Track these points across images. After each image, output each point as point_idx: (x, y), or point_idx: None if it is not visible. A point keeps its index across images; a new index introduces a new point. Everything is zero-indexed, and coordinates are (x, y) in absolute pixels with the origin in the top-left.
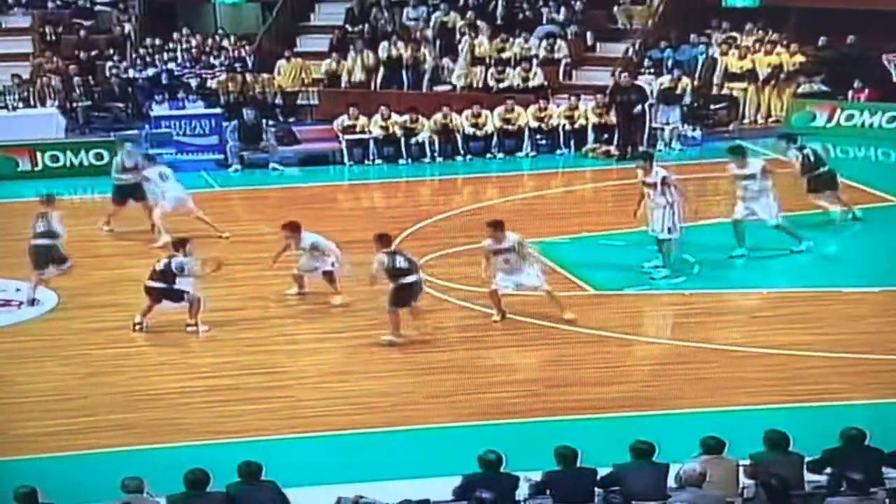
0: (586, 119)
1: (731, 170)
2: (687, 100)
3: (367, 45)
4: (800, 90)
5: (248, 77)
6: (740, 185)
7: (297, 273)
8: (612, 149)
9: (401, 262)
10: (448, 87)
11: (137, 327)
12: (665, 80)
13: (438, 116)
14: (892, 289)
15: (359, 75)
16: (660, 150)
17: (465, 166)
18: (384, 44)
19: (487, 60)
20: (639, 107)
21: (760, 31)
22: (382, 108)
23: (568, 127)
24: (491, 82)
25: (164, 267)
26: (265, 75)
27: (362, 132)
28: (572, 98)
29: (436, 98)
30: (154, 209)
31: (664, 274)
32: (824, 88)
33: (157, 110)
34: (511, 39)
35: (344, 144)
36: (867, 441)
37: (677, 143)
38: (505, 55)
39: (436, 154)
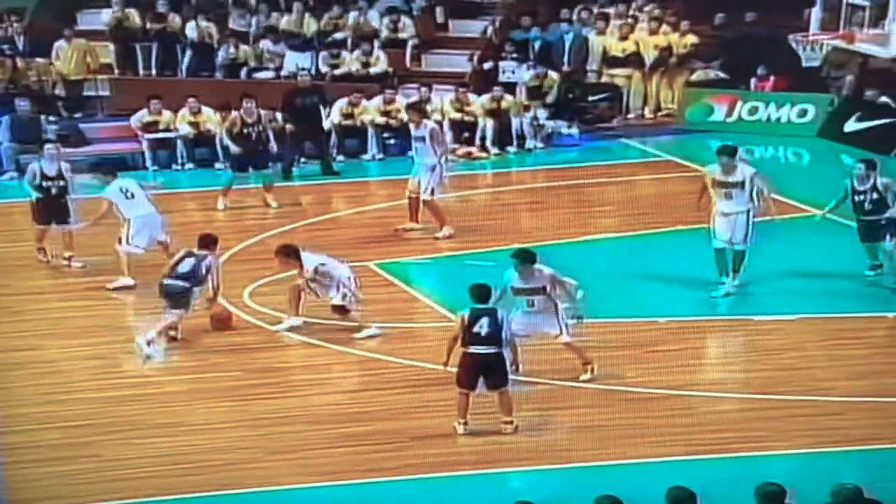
0: (442, 114)
1: (710, 175)
2: (550, 98)
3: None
4: (694, 78)
5: (20, 62)
6: (721, 195)
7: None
8: (475, 149)
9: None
10: (270, 75)
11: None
12: (528, 76)
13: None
14: (810, 315)
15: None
16: (525, 151)
17: (298, 170)
18: (191, 23)
19: (315, 41)
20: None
21: (644, 7)
22: (190, 100)
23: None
24: (324, 68)
25: (192, 267)
26: (40, 60)
27: (167, 130)
28: (423, 88)
29: (256, 88)
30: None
31: (727, 291)
32: (723, 76)
33: None
34: (345, 14)
35: (145, 145)
36: (787, 500)
37: (534, 141)
38: (339, 35)
39: None
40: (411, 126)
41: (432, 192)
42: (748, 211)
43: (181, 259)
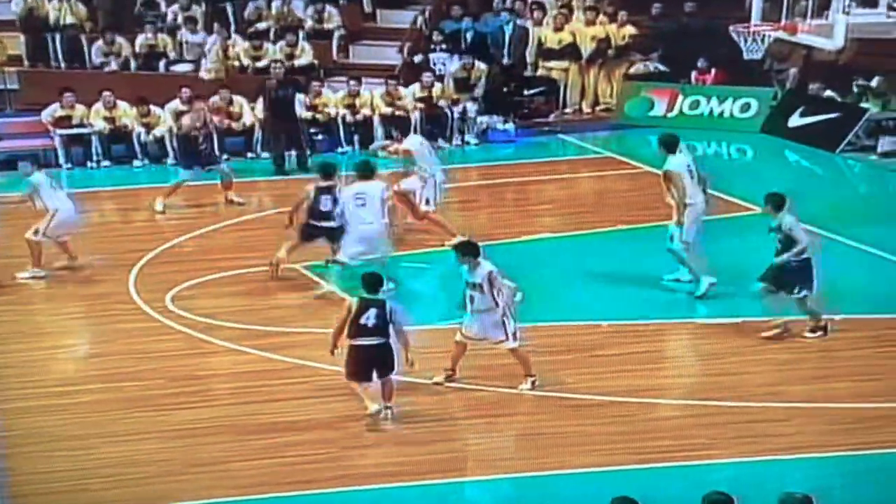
0: (372, 108)
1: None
2: (479, 91)
3: None
4: (633, 71)
5: None
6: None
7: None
8: None
9: None
10: (189, 68)
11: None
12: (456, 66)
13: (176, 104)
14: (753, 319)
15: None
16: (454, 147)
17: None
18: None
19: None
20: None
21: None
22: (105, 93)
23: (349, 118)
24: (245, 60)
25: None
26: None
27: (81, 125)
28: (352, 81)
29: (174, 81)
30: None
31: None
32: (662, 69)
33: None
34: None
35: (58, 141)
36: None
37: (467, 136)
38: (262, 25)
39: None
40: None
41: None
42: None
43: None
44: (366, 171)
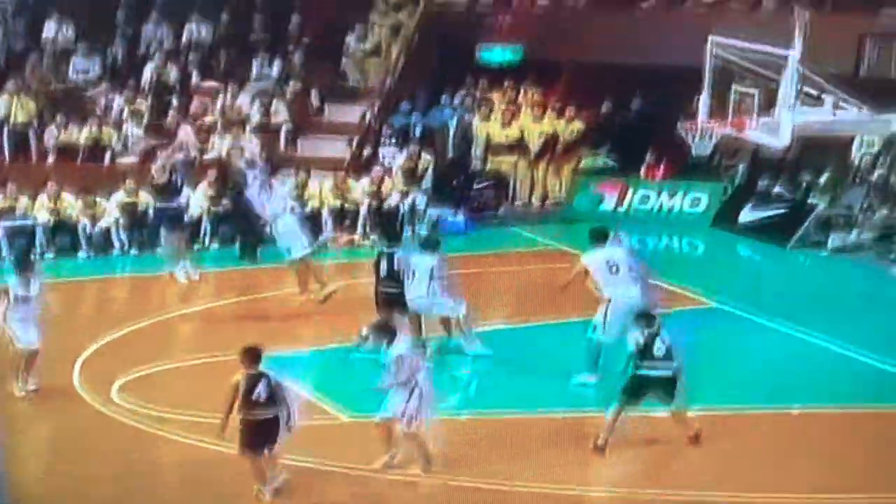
0: (321, 201)
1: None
2: (427, 183)
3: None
4: (582, 165)
5: None
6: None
7: None
8: (358, 237)
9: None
10: (134, 160)
11: None
12: (403, 158)
13: (122, 196)
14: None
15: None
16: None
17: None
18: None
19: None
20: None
21: (528, 93)
22: (50, 184)
23: (298, 210)
24: (192, 153)
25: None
26: None
27: (25, 217)
28: (301, 173)
29: (119, 173)
30: None
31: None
32: (611, 163)
33: None
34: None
35: (1, 233)
36: None
37: (417, 227)
38: (207, 119)
39: (125, 244)
40: None
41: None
42: None
43: None
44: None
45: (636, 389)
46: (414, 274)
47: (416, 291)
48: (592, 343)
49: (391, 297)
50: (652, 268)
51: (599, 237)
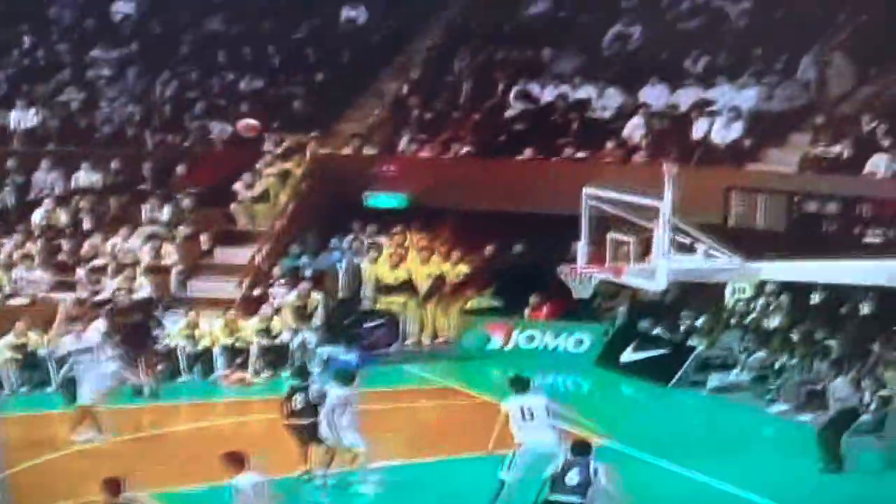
0: (212, 340)
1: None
2: (317, 321)
3: None
4: (469, 306)
5: None
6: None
7: None
8: (248, 375)
9: None
10: (26, 302)
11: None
12: (293, 297)
13: (11, 338)
14: None
15: None
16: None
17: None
18: None
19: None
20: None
21: (415, 237)
22: None
23: (189, 349)
24: (83, 294)
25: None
26: None
27: None
28: (191, 314)
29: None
30: None
31: None
32: (497, 304)
33: None
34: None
35: None
36: None
37: (315, 366)
38: (98, 262)
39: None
40: None
41: None
42: None
43: None
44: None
45: None
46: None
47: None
48: (499, 481)
49: (304, 428)
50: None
51: (519, 385)
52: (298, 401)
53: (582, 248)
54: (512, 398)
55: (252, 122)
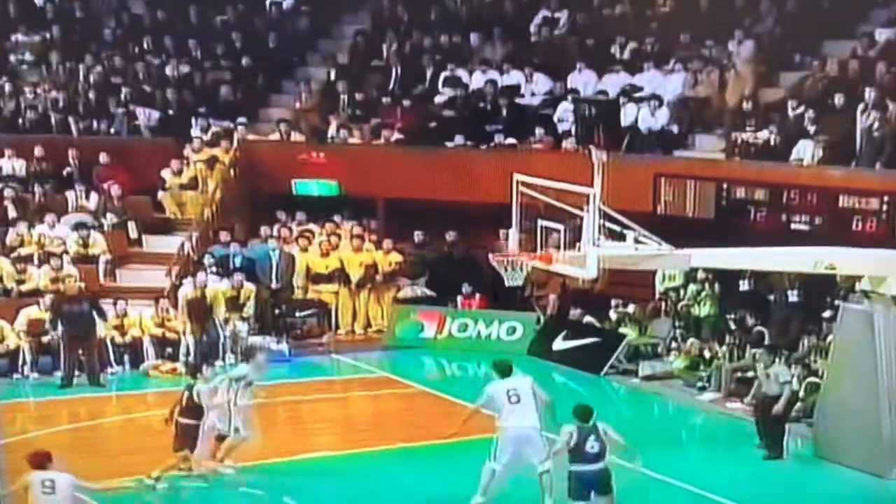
0: (142, 329)
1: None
2: (249, 311)
3: None
4: (401, 295)
5: None
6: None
7: None
8: (179, 365)
9: None
10: None
11: None
12: (225, 286)
13: None
14: None
15: None
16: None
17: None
18: None
19: None
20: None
21: (346, 225)
22: None
23: (118, 340)
24: (9, 284)
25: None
26: None
27: None
28: (120, 303)
29: None
30: None
31: None
32: (429, 293)
33: None
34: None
35: None
36: None
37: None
38: (24, 251)
39: None
40: None
41: None
42: None
43: None
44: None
45: (577, 488)
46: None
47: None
48: (486, 468)
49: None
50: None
51: (501, 368)
52: (186, 398)
53: (513, 235)
54: (497, 382)
55: None
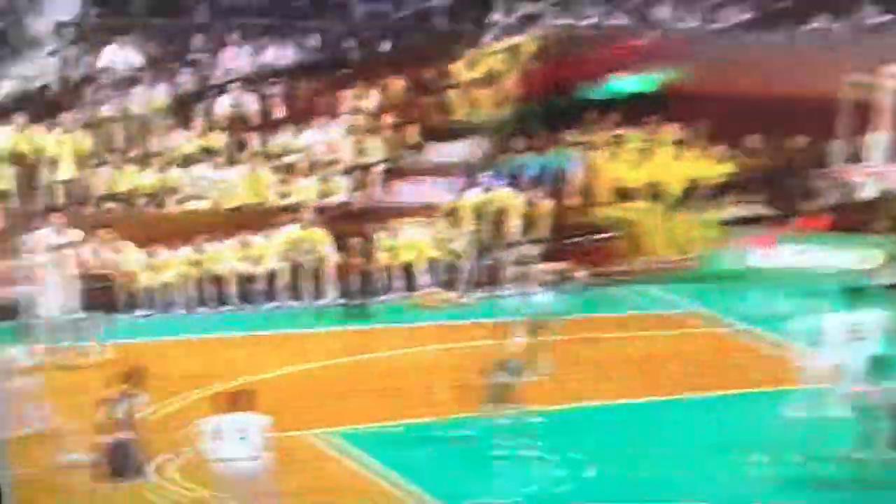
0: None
1: None
2: (545, 231)
3: None
4: (726, 214)
5: None
6: None
7: None
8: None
9: None
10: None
11: None
12: (517, 202)
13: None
14: None
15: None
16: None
17: None
18: None
19: None
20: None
21: (666, 128)
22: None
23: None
24: (270, 196)
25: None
26: None
27: None
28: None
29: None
30: None
31: None
32: (764, 212)
33: None
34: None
35: None
36: None
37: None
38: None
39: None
40: None
41: None
42: None
43: None
44: None
45: None
46: None
47: None
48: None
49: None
50: None
51: (853, 295)
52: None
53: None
54: (836, 315)
55: None
